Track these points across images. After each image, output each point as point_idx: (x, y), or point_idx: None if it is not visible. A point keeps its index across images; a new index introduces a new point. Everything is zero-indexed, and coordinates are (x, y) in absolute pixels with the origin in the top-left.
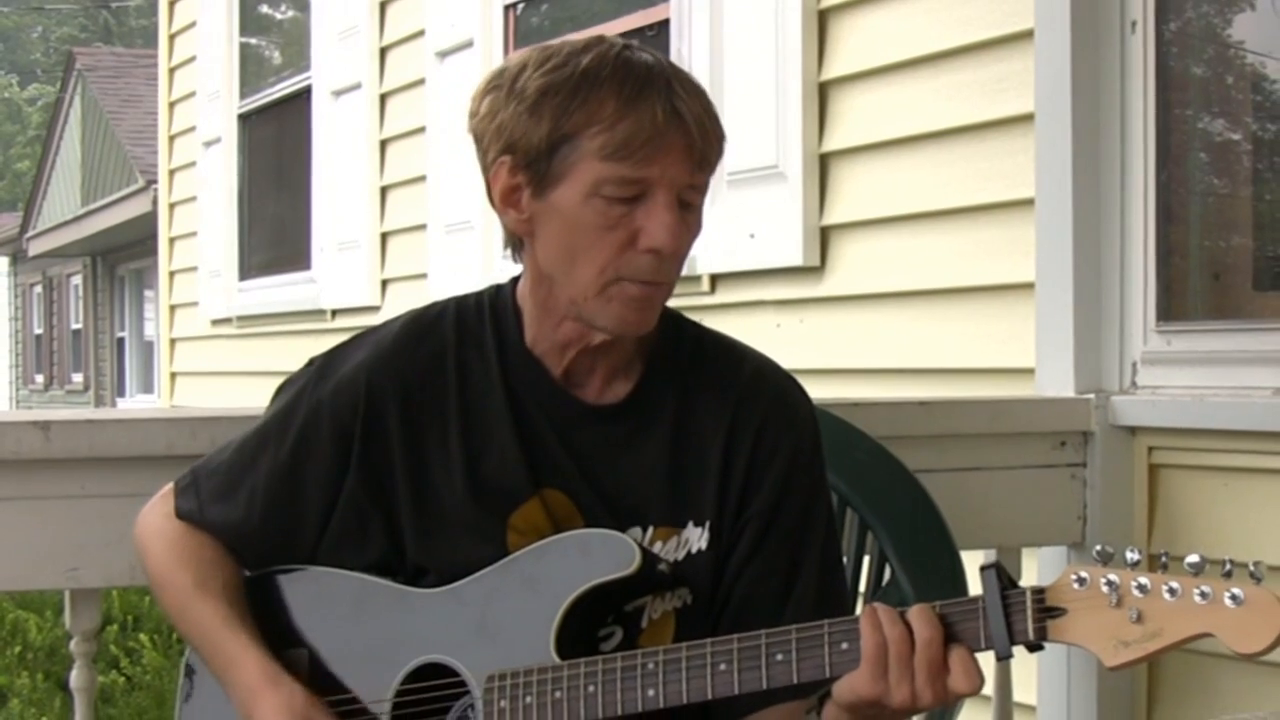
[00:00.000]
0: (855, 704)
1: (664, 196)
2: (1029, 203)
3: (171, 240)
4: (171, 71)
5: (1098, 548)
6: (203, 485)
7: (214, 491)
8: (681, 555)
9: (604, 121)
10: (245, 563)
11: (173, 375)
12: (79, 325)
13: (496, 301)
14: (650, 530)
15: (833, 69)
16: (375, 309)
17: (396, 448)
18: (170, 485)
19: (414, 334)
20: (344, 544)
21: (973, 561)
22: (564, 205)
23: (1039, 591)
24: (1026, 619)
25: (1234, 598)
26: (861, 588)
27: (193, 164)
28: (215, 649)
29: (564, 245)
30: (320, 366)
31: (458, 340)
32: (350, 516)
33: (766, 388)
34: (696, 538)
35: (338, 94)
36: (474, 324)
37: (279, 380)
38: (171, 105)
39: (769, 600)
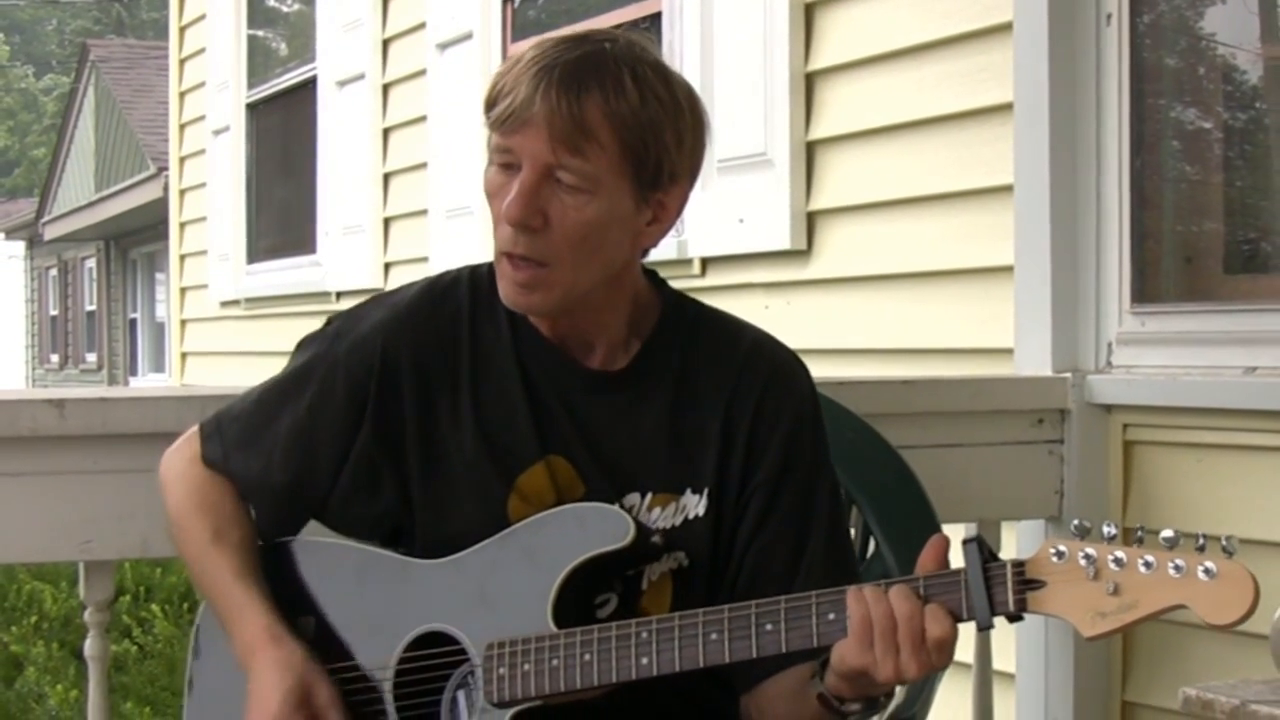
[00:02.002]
0: (846, 673)
1: (525, 170)
2: (1008, 189)
3: (182, 225)
4: (182, 62)
5: (1075, 522)
6: (226, 432)
7: (237, 440)
8: (679, 521)
9: (503, 94)
10: (260, 513)
11: (183, 355)
12: (93, 307)
13: None
14: (648, 496)
15: (819, 60)
16: (378, 291)
17: (409, 407)
18: (195, 428)
19: (430, 299)
20: (355, 495)
21: (953, 534)
22: (483, 170)
23: (1019, 564)
24: (1007, 591)
25: (1207, 571)
26: None
27: (202, 151)
28: (224, 600)
29: None
30: (338, 327)
31: (471, 307)
32: (362, 469)
33: (765, 360)
34: (694, 504)
35: (342, 84)
36: (486, 291)
37: (285, 360)
38: (182, 95)
39: (780, 568)
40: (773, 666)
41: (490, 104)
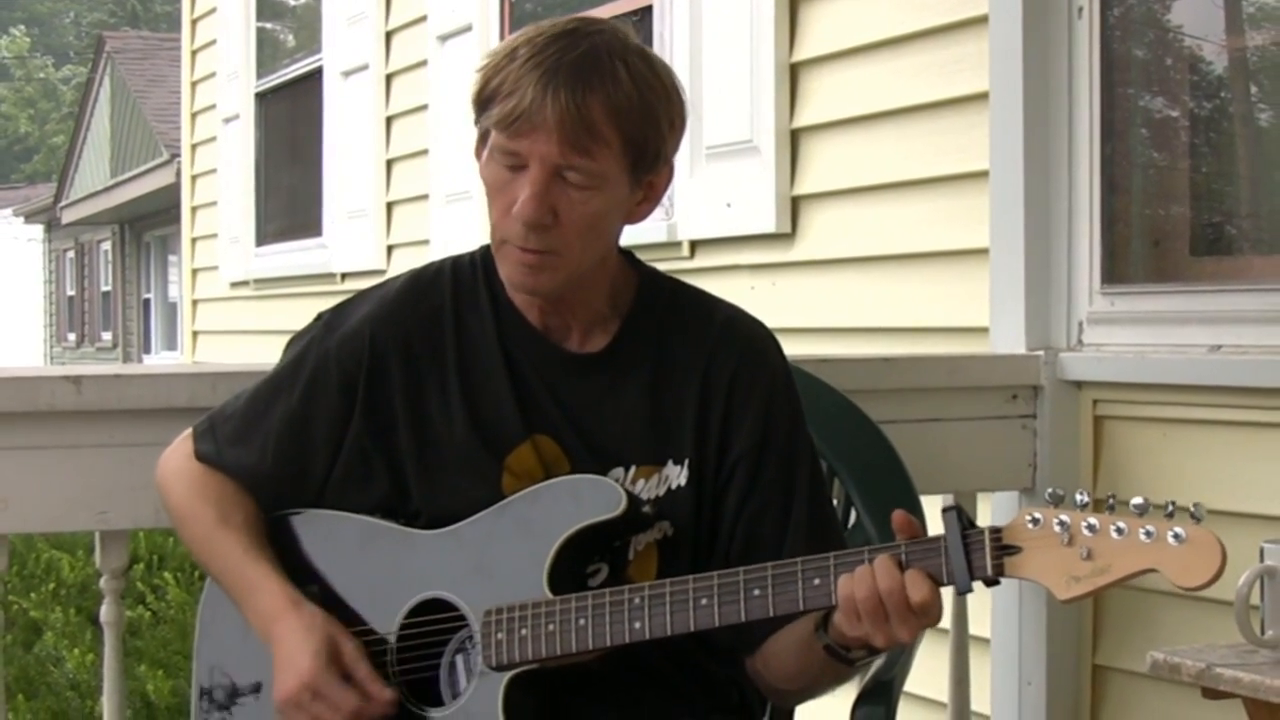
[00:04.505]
0: (847, 642)
1: (534, 170)
2: (983, 175)
3: (194, 209)
4: (194, 53)
5: (1049, 490)
6: (220, 430)
7: (230, 436)
8: (662, 491)
9: (501, 94)
10: (259, 503)
11: (195, 334)
12: (108, 288)
13: (488, 259)
14: (632, 469)
15: (803, 51)
16: (381, 272)
17: (398, 396)
18: (188, 431)
19: (414, 290)
20: (349, 484)
21: (932, 505)
22: (482, 164)
23: (996, 531)
24: (985, 556)
25: (1176, 536)
26: None
27: (213, 139)
28: (237, 578)
29: (486, 201)
30: (328, 320)
31: (454, 295)
32: (355, 459)
33: (738, 334)
34: (676, 475)
35: (347, 74)
36: (468, 280)
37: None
38: (194, 85)
39: (771, 533)
40: (775, 625)
41: (485, 100)
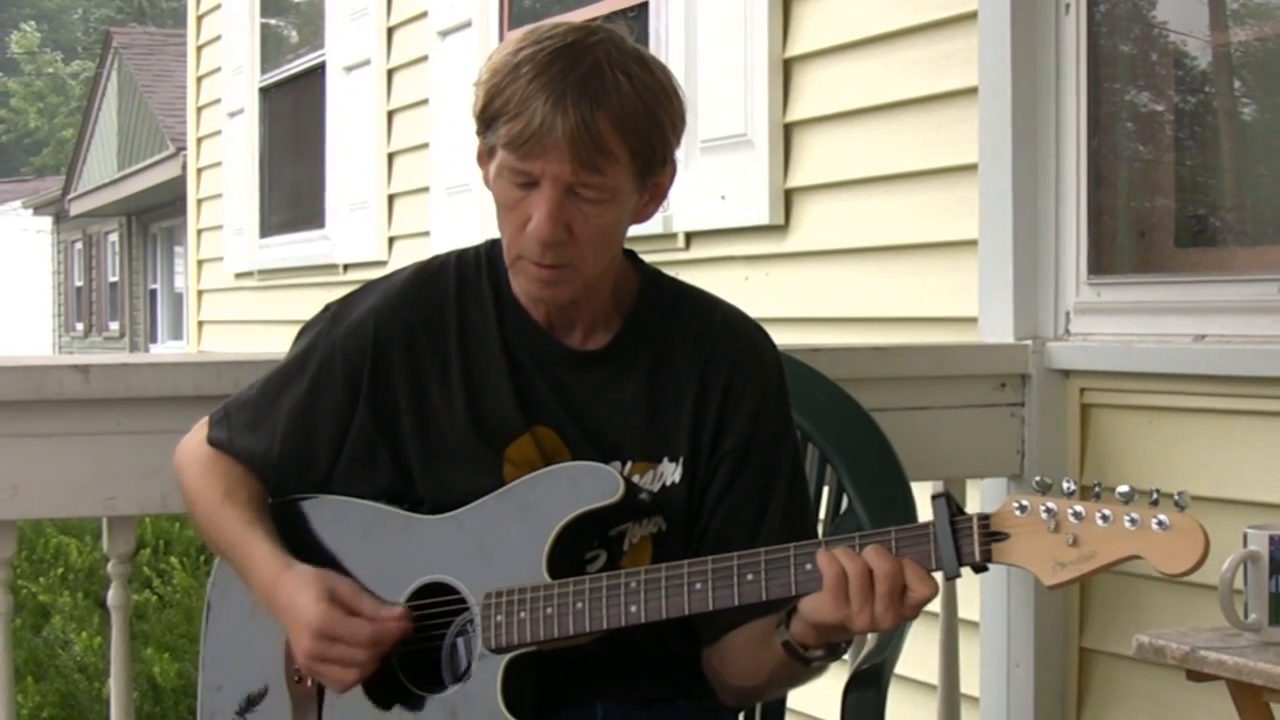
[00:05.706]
0: (820, 626)
1: (547, 189)
2: (973, 168)
3: (199, 201)
4: (199, 49)
5: (1037, 478)
6: (233, 418)
7: (242, 424)
8: (656, 488)
9: (508, 113)
10: (267, 488)
11: (200, 323)
12: (115, 278)
13: (493, 254)
14: (628, 464)
15: (796, 46)
16: (383, 263)
17: (401, 387)
18: (206, 418)
19: (419, 284)
20: (355, 472)
21: (922, 492)
22: (491, 178)
23: (984, 518)
24: (973, 542)
25: (1160, 523)
26: (822, 515)
27: (218, 132)
28: (237, 550)
29: (495, 213)
30: (334, 312)
31: (458, 290)
32: (360, 448)
33: (736, 337)
34: (670, 472)
35: (349, 69)
36: (472, 275)
37: (296, 328)
38: (199, 79)
39: (743, 529)
40: (739, 619)
41: (491, 118)
